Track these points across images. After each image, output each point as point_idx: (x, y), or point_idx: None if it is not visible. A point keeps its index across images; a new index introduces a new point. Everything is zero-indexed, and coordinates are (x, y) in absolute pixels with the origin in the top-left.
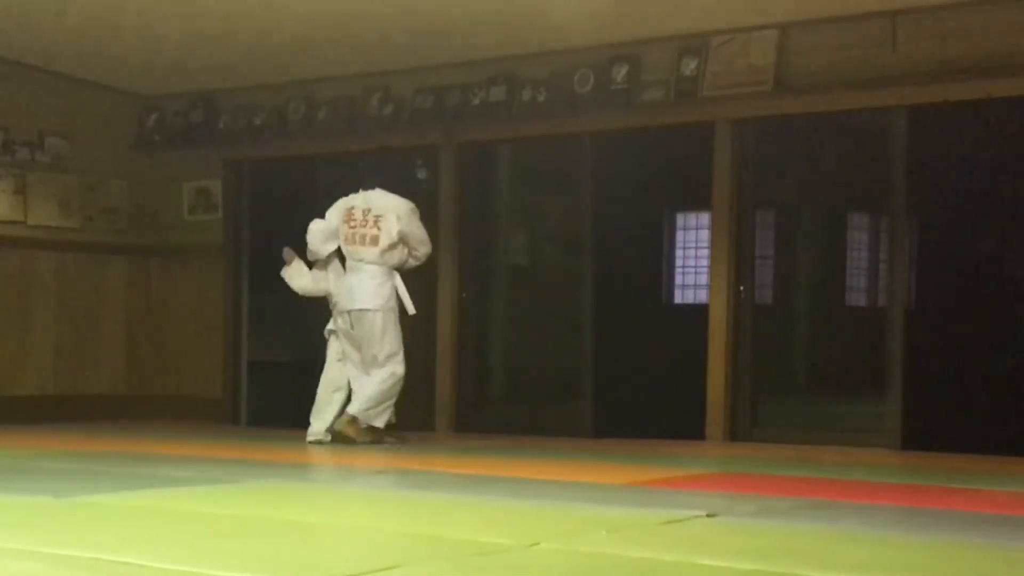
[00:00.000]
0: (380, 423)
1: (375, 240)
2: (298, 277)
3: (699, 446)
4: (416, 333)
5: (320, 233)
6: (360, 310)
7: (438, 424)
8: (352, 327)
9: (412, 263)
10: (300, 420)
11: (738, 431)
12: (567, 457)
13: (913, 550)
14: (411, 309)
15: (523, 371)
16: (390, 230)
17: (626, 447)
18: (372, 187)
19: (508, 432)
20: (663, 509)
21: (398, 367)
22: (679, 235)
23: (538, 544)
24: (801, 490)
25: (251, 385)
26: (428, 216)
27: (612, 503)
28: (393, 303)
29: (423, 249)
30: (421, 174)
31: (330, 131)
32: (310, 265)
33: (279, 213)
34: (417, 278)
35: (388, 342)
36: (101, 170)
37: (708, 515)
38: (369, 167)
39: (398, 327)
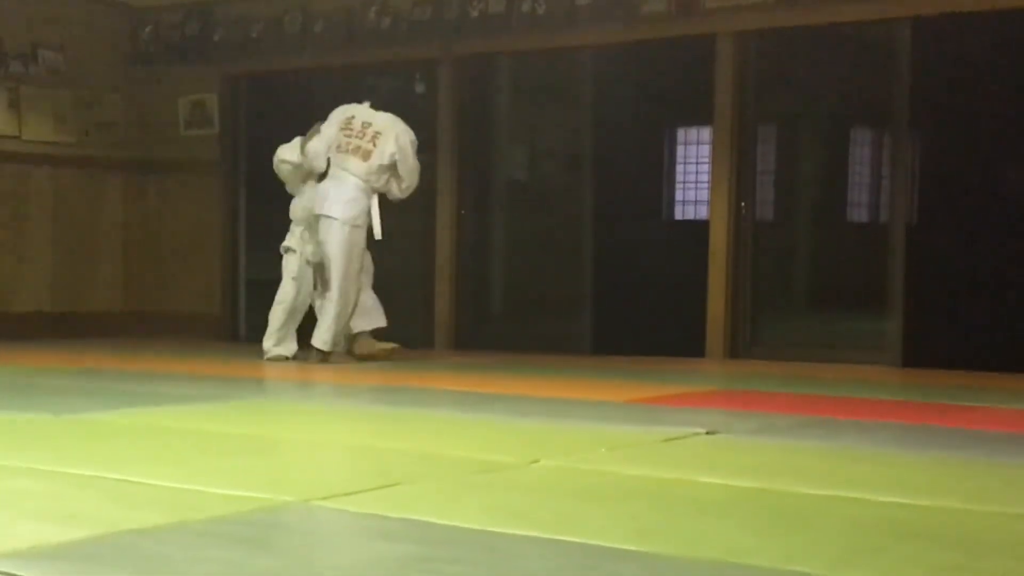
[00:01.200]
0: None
1: (367, 155)
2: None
3: (699, 363)
4: (414, 250)
5: (321, 152)
6: (327, 216)
7: (437, 341)
8: (316, 232)
9: (396, 194)
10: (298, 336)
11: (738, 348)
12: (566, 374)
13: (913, 467)
14: (378, 233)
15: (522, 288)
16: (384, 150)
17: (625, 364)
18: (375, 105)
19: (507, 349)
20: (663, 427)
21: (344, 295)
22: (679, 150)
23: (538, 461)
24: (801, 407)
25: (250, 301)
26: (426, 131)
27: (611, 420)
28: (362, 222)
29: (409, 180)
30: (419, 88)
31: (327, 44)
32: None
33: (276, 127)
34: (415, 195)
35: (345, 261)
36: (96, 84)
37: (708, 432)
38: (367, 80)
39: (361, 250)
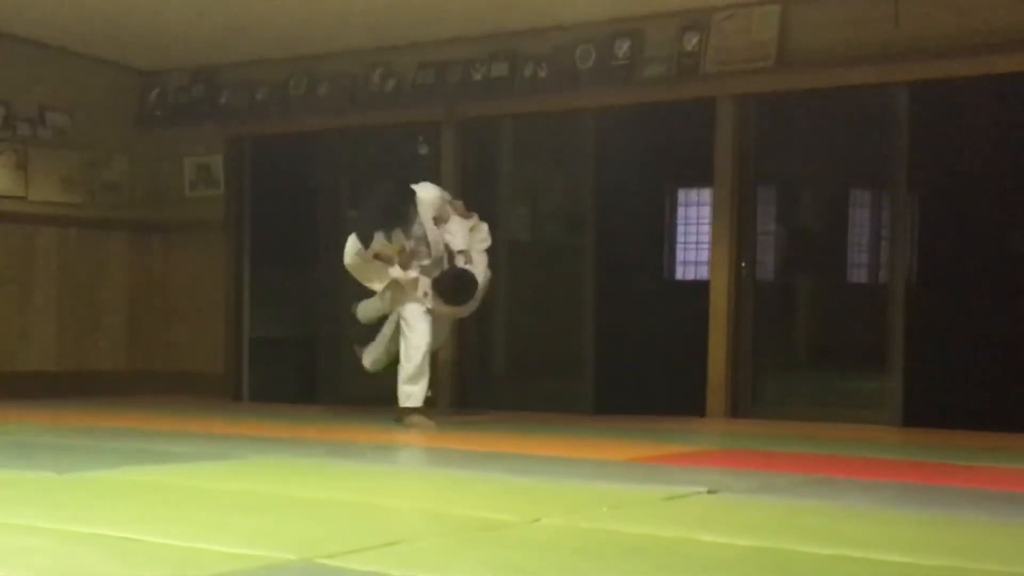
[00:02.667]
0: (411, 403)
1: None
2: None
3: (700, 423)
4: None
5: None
6: None
7: (439, 400)
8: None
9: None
10: (302, 395)
11: (739, 407)
12: (568, 433)
13: (914, 526)
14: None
15: (524, 347)
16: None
17: (627, 423)
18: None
19: (509, 408)
20: (664, 485)
21: (406, 346)
22: (680, 211)
23: (540, 520)
24: (802, 466)
25: (253, 361)
26: None
27: (613, 479)
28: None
29: (435, 251)
30: (422, 150)
31: (332, 107)
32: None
33: (280, 189)
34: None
35: (405, 322)
36: (103, 145)
37: (709, 491)
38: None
39: (421, 315)
